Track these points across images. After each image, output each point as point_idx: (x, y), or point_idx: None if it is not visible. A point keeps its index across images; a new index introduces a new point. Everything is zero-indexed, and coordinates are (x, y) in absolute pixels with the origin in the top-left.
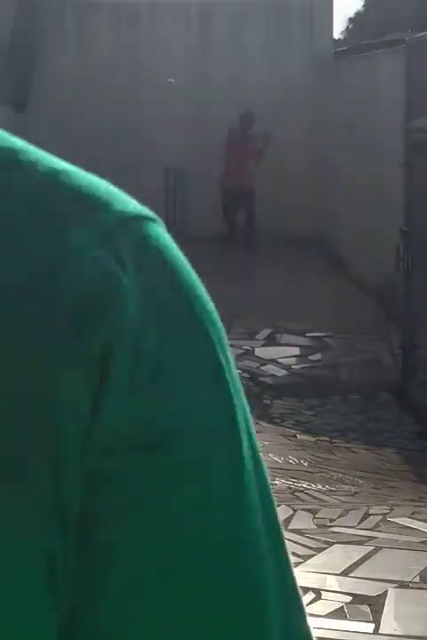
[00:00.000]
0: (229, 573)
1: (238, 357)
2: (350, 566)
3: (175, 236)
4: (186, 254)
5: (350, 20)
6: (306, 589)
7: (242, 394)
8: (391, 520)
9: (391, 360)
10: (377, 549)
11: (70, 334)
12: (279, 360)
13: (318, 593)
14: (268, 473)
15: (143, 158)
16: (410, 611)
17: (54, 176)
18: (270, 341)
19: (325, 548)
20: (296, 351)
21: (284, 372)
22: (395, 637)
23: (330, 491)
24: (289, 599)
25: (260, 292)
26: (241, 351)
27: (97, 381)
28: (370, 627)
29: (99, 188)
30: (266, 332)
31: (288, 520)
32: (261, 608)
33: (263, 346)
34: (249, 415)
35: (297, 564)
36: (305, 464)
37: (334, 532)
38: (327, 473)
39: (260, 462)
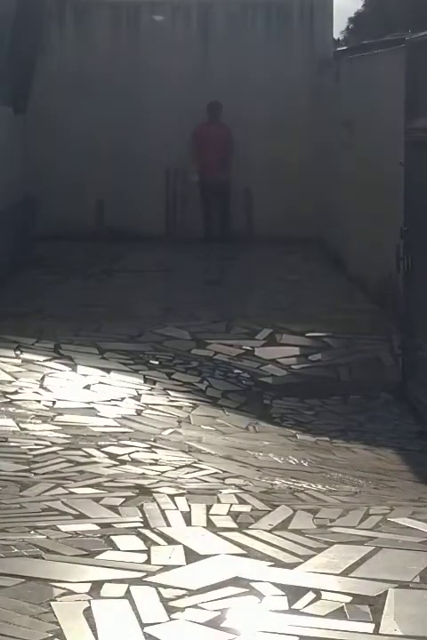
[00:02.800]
0: None
1: (238, 357)
2: (350, 566)
3: (175, 236)
4: (185, 253)
5: (350, 19)
6: (306, 589)
7: None
8: (392, 520)
9: (391, 360)
10: (377, 549)
11: None
12: (279, 360)
13: (317, 593)
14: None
15: (143, 158)
16: (410, 611)
17: None
18: (270, 341)
19: (325, 549)
20: (296, 351)
21: (284, 372)
22: (395, 638)
23: (330, 491)
24: None
25: (260, 292)
26: (241, 351)
27: None
28: (370, 627)
29: None
30: (266, 332)
31: (288, 520)
32: None
33: (263, 346)
34: None
35: (297, 564)
36: (305, 464)
37: (334, 532)
38: (327, 473)
39: None
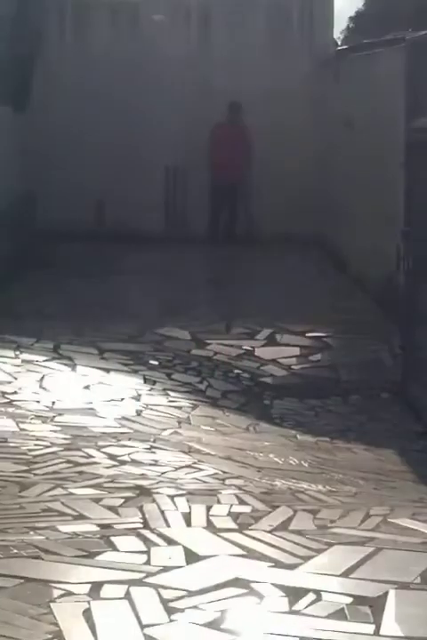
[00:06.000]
0: None
1: (238, 357)
2: (350, 567)
3: (175, 236)
4: (185, 253)
5: (351, 19)
6: (306, 590)
7: None
8: (392, 521)
9: (391, 360)
10: (378, 550)
11: None
12: (279, 360)
13: (318, 594)
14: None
15: (143, 158)
16: (411, 612)
17: None
18: (270, 341)
19: (325, 549)
20: (296, 351)
21: (284, 372)
22: (396, 639)
23: (330, 491)
24: None
25: (260, 292)
26: (241, 351)
27: None
28: (371, 628)
29: None
30: (266, 332)
31: (288, 521)
32: None
33: (263, 346)
34: None
35: (297, 565)
36: (305, 465)
37: (335, 533)
38: (328, 473)
39: None
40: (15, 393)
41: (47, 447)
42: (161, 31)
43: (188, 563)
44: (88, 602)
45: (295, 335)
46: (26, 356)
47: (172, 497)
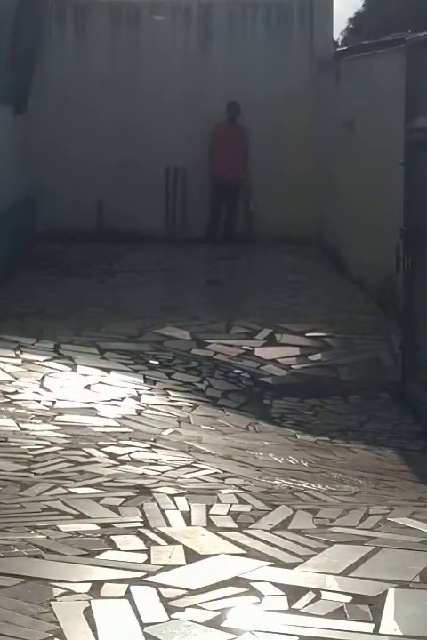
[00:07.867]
0: None
1: (238, 357)
2: (349, 566)
3: (175, 236)
4: (185, 253)
5: (350, 19)
6: (306, 589)
7: None
8: (391, 520)
9: (391, 360)
10: (377, 549)
11: None
12: (279, 360)
13: (317, 593)
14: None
15: (143, 158)
16: (410, 611)
17: None
18: (270, 341)
19: (325, 548)
20: (296, 351)
21: (284, 372)
22: (395, 637)
23: (330, 491)
24: None
25: (260, 292)
26: (241, 351)
27: None
28: (370, 627)
29: None
30: (266, 332)
31: (288, 520)
32: None
33: (263, 346)
34: None
35: (297, 564)
36: (305, 464)
37: (334, 532)
38: (327, 473)
39: None
40: (16, 392)
41: (48, 446)
42: (161, 31)
43: (188, 562)
44: (88, 600)
45: (295, 335)
46: (26, 355)
47: (172, 496)
